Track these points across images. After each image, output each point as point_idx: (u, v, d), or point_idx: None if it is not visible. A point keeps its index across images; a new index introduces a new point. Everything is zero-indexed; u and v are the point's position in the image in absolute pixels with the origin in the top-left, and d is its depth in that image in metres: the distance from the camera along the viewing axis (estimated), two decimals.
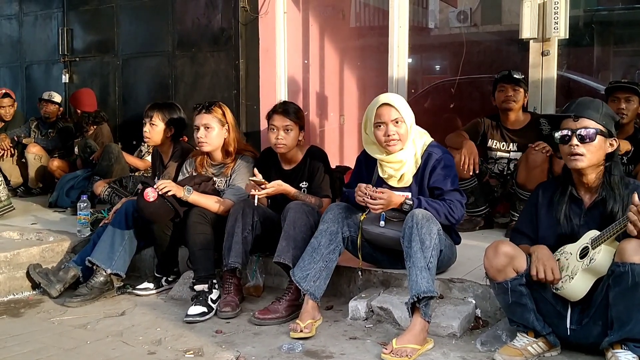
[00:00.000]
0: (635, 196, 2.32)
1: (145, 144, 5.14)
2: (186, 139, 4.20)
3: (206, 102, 3.70)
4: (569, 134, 2.51)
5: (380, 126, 3.06)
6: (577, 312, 2.55)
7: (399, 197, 2.97)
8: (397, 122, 3.04)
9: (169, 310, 3.36)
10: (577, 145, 2.48)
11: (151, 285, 3.68)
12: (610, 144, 2.53)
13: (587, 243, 2.49)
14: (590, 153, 2.49)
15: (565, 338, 2.59)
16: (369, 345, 2.81)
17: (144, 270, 3.99)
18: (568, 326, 2.56)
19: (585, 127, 2.48)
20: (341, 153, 6.08)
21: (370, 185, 3.00)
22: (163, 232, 3.54)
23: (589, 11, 6.74)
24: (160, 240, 3.59)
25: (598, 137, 2.48)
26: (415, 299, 2.68)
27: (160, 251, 3.67)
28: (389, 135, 3.03)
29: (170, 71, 5.58)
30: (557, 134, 2.56)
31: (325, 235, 3.04)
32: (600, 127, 2.49)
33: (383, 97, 3.11)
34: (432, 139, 3.19)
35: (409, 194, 3.02)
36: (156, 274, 3.74)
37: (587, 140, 2.48)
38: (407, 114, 3.08)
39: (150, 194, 3.33)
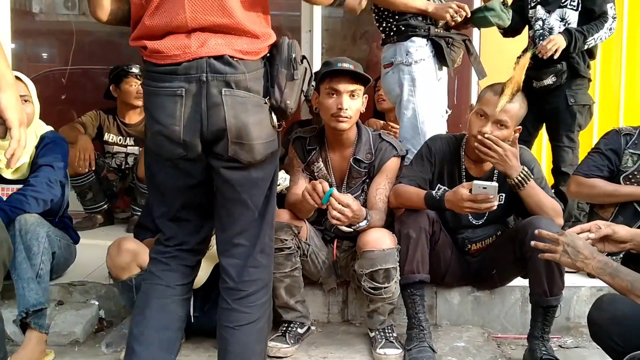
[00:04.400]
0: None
1: None
2: None
3: None
4: None
5: None
6: (199, 300, 2.67)
7: None
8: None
9: None
10: None
11: None
12: None
13: None
14: None
15: (189, 326, 2.67)
16: None
17: None
18: (191, 314, 2.65)
19: None
20: None
21: None
22: None
23: None
24: None
25: None
26: (24, 315, 2.45)
27: None
28: None
29: None
30: None
31: None
32: None
33: None
34: (50, 128, 3.02)
35: None
36: None
37: None
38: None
39: None
